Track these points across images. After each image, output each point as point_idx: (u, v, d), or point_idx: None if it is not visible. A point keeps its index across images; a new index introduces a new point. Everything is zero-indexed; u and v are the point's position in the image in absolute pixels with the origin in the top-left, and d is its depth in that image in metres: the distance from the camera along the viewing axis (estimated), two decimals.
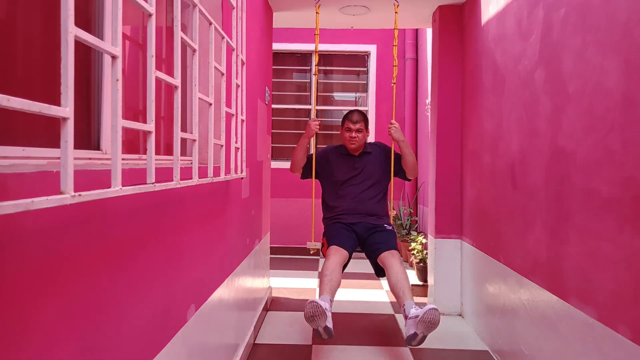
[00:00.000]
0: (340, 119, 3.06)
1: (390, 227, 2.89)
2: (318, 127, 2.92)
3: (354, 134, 2.88)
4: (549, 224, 2.01)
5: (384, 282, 4.39)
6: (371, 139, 5.25)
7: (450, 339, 2.97)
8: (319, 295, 2.45)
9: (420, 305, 2.38)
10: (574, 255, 1.80)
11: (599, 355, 1.63)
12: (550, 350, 1.99)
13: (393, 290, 2.52)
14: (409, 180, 3.07)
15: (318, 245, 2.92)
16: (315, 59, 3.00)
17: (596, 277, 1.65)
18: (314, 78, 3.04)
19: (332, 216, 2.95)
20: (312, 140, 2.99)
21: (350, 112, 2.96)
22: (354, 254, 2.85)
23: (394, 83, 2.98)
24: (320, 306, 2.25)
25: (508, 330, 2.47)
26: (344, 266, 2.73)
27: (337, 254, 2.65)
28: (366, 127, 2.94)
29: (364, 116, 2.96)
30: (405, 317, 2.38)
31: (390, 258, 2.63)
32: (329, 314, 2.30)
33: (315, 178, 3.00)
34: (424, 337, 2.31)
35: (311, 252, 3.20)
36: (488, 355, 2.71)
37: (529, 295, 2.21)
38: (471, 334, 3.05)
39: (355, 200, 2.90)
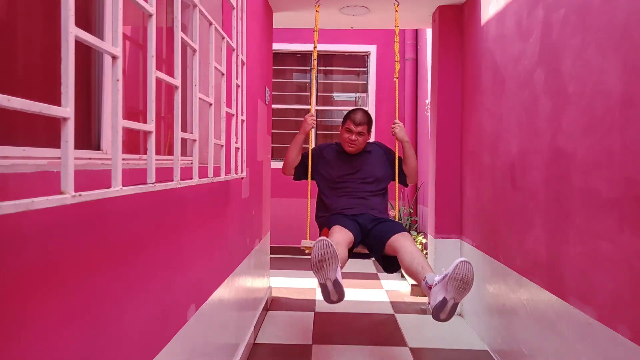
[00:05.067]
0: (341, 119, 2.77)
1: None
2: (314, 122, 2.71)
3: (354, 137, 2.64)
4: (549, 224, 2.01)
5: (384, 281, 4.39)
6: (371, 139, 5.23)
7: (450, 338, 2.97)
8: None
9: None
10: (574, 255, 1.81)
11: (599, 355, 1.63)
12: (550, 350, 1.99)
13: (409, 269, 2.17)
14: (407, 186, 2.84)
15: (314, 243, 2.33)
16: (314, 55, 2.83)
17: (596, 277, 1.66)
18: (313, 73, 2.79)
19: (331, 213, 2.66)
20: (309, 139, 2.77)
21: (355, 111, 2.70)
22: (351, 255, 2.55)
23: (397, 78, 2.81)
24: (331, 245, 1.91)
25: (508, 330, 2.47)
26: (350, 253, 2.41)
27: (341, 232, 2.32)
28: (369, 130, 2.70)
29: (368, 118, 2.69)
30: (429, 288, 2.00)
31: (401, 239, 2.30)
32: (339, 267, 1.96)
33: (311, 177, 2.75)
34: (455, 306, 1.93)
35: (306, 252, 2.65)
36: (488, 355, 2.71)
37: (528, 295, 2.21)
38: (471, 333, 3.05)
39: (355, 196, 2.66)
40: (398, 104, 2.73)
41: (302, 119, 2.73)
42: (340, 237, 2.27)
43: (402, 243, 2.27)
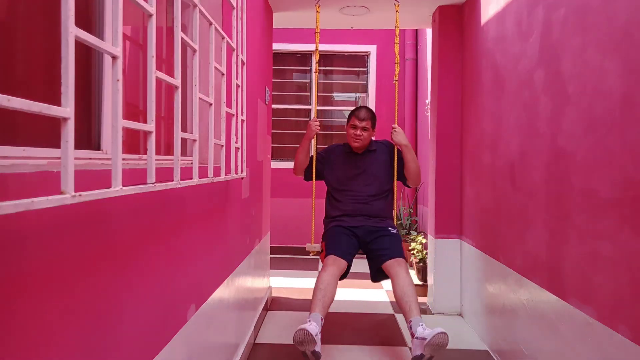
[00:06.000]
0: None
1: (395, 231, 2.81)
2: (318, 127, 2.88)
3: (358, 132, 2.80)
4: (549, 224, 2.01)
5: (384, 281, 4.39)
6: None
7: (450, 338, 2.95)
8: (311, 312, 2.38)
9: (427, 318, 2.38)
10: (574, 255, 1.81)
11: (599, 355, 1.63)
12: (550, 350, 1.99)
13: (399, 302, 2.46)
14: (409, 187, 2.99)
15: (318, 247, 2.86)
16: (315, 58, 2.96)
17: (596, 277, 1.66)
18: (314, 76, 2.92)
19: (334, 217, 2.89)
20: (312, 141, 2.95)
21: (359, 108, 2.88)
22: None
23: (396, 80, 2.92)
24: (310, 334, 2.20)
25: (508, 330, 2.47)
26: (344, 275, 2.71)
27: (334, 265, 2.59)
28: (373, 126, 2.85)
29: (372, 114, 2.85)
30: (412, 335, 2.31)
31: (396, 267, 2.56)
32: (319, 341, 2.25)
33: (319, 178, 2.95)
34: (430, 358, 2.27)
35: (310, 254, 2.97)
36: (488, 355, 2.71)
37: (528, 295, 2.21)
38: (471, 333, 3.05)
39: (358, 200, 2.83)
40: (398, 106, 2.78)
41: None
42: (333, 272, 2.55)
43: (396, 271, 2.55)
